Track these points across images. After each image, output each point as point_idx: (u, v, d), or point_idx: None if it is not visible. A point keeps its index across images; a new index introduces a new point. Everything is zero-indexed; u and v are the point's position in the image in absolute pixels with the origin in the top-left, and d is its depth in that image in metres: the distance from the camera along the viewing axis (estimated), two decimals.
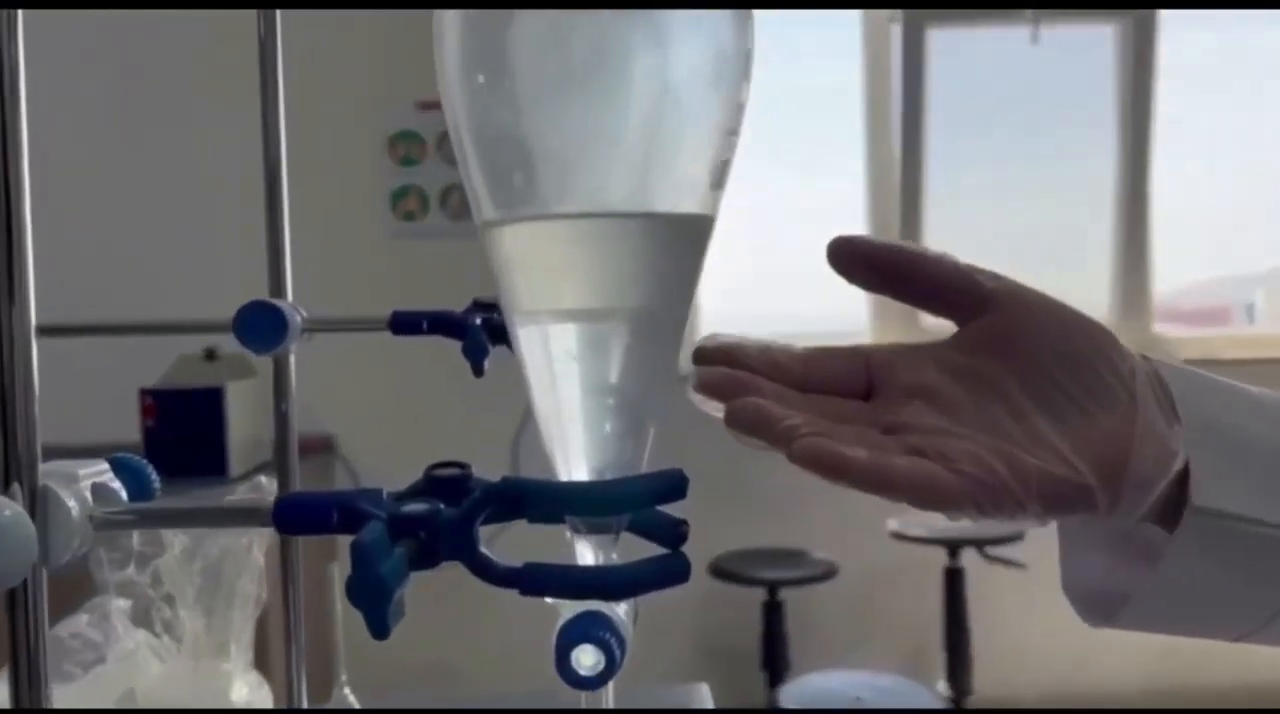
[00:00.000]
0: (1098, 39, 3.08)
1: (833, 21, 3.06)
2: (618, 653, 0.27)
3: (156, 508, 0.33)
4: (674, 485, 0.29)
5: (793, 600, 2.63)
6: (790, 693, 2.05)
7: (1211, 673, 2.84)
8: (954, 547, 2.57)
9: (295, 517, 0.31)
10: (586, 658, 0.27)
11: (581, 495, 0.29)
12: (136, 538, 0.71)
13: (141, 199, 2.77)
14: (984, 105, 3.09)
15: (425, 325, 0.52)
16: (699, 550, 1.90)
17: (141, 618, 0.70)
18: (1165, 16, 2.93)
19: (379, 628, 0.26)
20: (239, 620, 0.71)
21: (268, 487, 0.72)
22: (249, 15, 0.59)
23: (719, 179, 0.29)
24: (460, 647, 2.63)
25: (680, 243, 0.28)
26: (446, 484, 0.31)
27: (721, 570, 2.57)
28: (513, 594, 0.29)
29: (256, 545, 0.72)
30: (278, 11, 0.54)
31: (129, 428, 2.44)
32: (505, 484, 0.29)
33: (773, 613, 2.60)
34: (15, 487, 0.30)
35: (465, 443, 2.43)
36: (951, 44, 3.01)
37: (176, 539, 0.69)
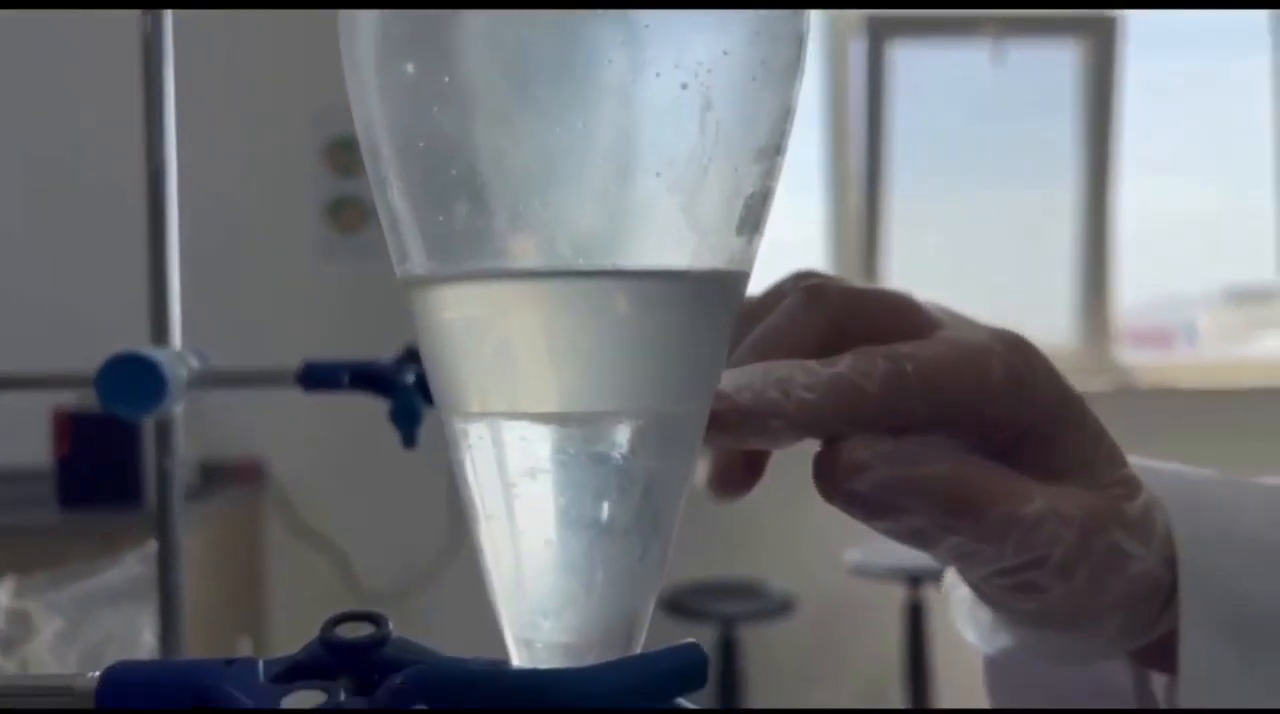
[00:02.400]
0: (1059, 59, 3.08)
1: None
2: None
3: None
4: (689, 671, 0.19)
5: (749, 637, 2.54)
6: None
7: None
8: (915, 580, 2.51)
9: (127, 696, 0.21)
10: None
11: (553, 688, 0.19)
12: (3, 620, 0.60)
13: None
14: (946, 123, 3.07)
15: (346, 379, 0.42)
16: None
17: None
18: (1129, 32, 2.92)
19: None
20: None
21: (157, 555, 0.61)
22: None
23: (754, 219, 0.20)
24: None
25: (698, 309, 0.19)
26: (352, 652, 0.21)
27: (675, 605, 2.47)
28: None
29: (149, 628, 0.61)
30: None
31: (38, 451, 2.29)
32: (437, 670, 0.19)
33: (728, 651, 2.52)
34: None
35: (406, 466, 2.32)
36: (913, 60, 2.98)
37: (48, 623, 0.58)
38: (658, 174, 0.18)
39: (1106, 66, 2.95)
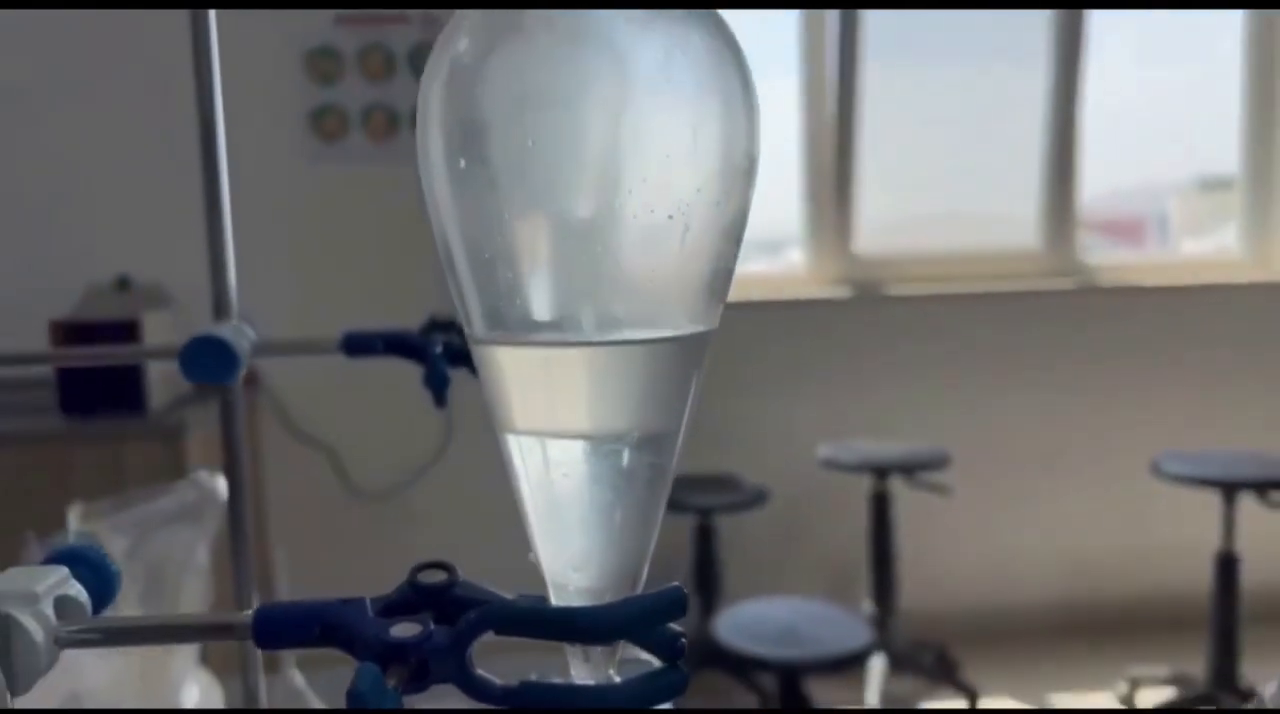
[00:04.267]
0: None
1: None
2: None
3: (122, 625, 0.31)
4: (673, 605, 0.28)
5: (724, 527, 2.68)
6: (725, 623, 2.10)
7: (1122, 585, 2.99)
8: (882, 472, 2.64)
9: (275, 631, 0.30)
10: None
11: (579, 620, 0.28)
12: (72, 539, 0.68)
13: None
14: (919, 12, 3.07)
15: (381, 346, 0.50)
16: None
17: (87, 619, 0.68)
18: None
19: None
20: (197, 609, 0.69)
21: (208, 483, 0.70)
22: None
23: (721, 290, 0.27)
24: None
25: (681, 361, 0.27)
26: (432, 594, 0.30)
27: None
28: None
29: (201, 543, 0.70)
30: None
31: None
32: (501, 608, 0.28)
33: (705, 539, 2.66)
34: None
35: (397, 371, 2.40)
36: None
37: (115, 541, 0.67)
38: (652, 272, 0.26)
39: None
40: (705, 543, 2.67)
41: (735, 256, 0.27)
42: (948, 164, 3.18)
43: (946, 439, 2.70)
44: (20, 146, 2.60)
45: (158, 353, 0.47)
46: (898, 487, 2.67)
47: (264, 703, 0.63)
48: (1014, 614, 3.01)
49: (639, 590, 0.29)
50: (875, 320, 2.95)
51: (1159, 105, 3.19)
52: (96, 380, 2.27)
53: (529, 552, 0.32)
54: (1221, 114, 3.18)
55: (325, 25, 2.62)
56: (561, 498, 0.28)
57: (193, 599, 0.69)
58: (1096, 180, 3.13)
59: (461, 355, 0.50)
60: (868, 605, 2.70)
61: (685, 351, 0.27)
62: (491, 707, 0.29)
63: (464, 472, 2.65)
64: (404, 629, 0.29)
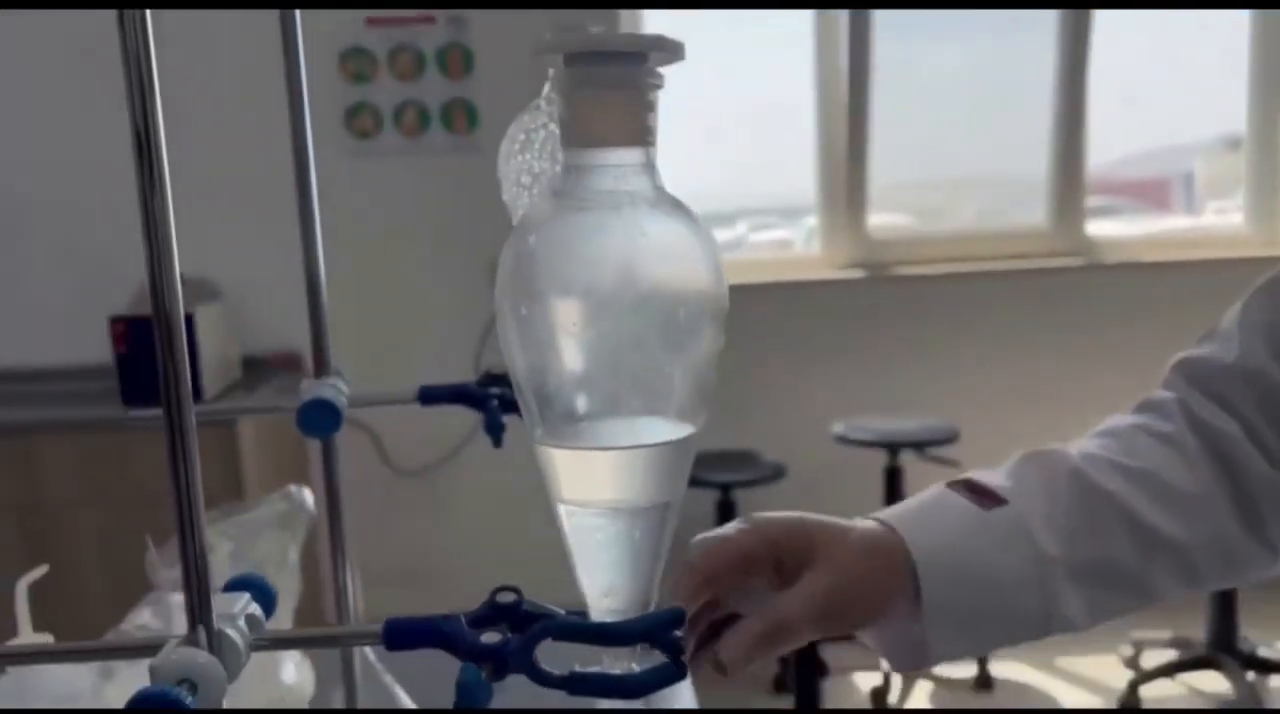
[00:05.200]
0: None
1: None
2: None
3: (288, 635, 0.44)
4: (674, 621, 0.41)
5: (744, 500, 2.82)
6: None
7: None
8: (894, 448, 2.76)
9: (399, 639, 0.43)
10: None
11: (609, 631, 0.41)
12: None
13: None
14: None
15: (449, 396, 0.63)
16: None
17: None
18: None
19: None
20: (281, 610, 0.83)
21: (298, 496, 0.83)
22: None
23: (707, 397, 0.40)
24: (432, 555, 2.79)
25: (682, 454, 0.39)
26: (507, 610, 0.43)
27: None
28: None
29: (292, 546, 0.83)
30: None
31: (100, 351, 2.51)
32: (556, 623, 0.41)
33: (726, 513, 2.79)
34: (200, 629, 0.41)
35: (434, 357, 2.54)
36: None
37: (222, 545, 0.81)
38: (655, 393, 0.38)
39: None
40: (726, 516, 2.81)
41: (713, 380, 0.40)
42: (959, 139, 3.26)
43: (957, 415, 2.81)
44: (74, 148, 2.74)
45: (279, 410, 0.58)
46: (910, 461, 2.79)
47: (357, 676, 0.77)
48: None
49: (651, 608, 0.42)
50: (888, 300, 3.05)
51: (1177, 63, 3.19)
52: (154, 373, 2.41)
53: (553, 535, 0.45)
54: (1241, 70, 3.18)
55: (357, 27, 2.74)
56: (595, 547, 0.41)
57: (286, 593, 0.82)
58: (1119, 143, 3.17)
59: (510, 405, 0.63)
60: None
61: (682, 447, 0.39)
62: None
63: (493, 453, 2.79)
64: (489, 637, 0.42)
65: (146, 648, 0.41)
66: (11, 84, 2.70)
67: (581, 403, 0.39)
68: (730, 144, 3.14)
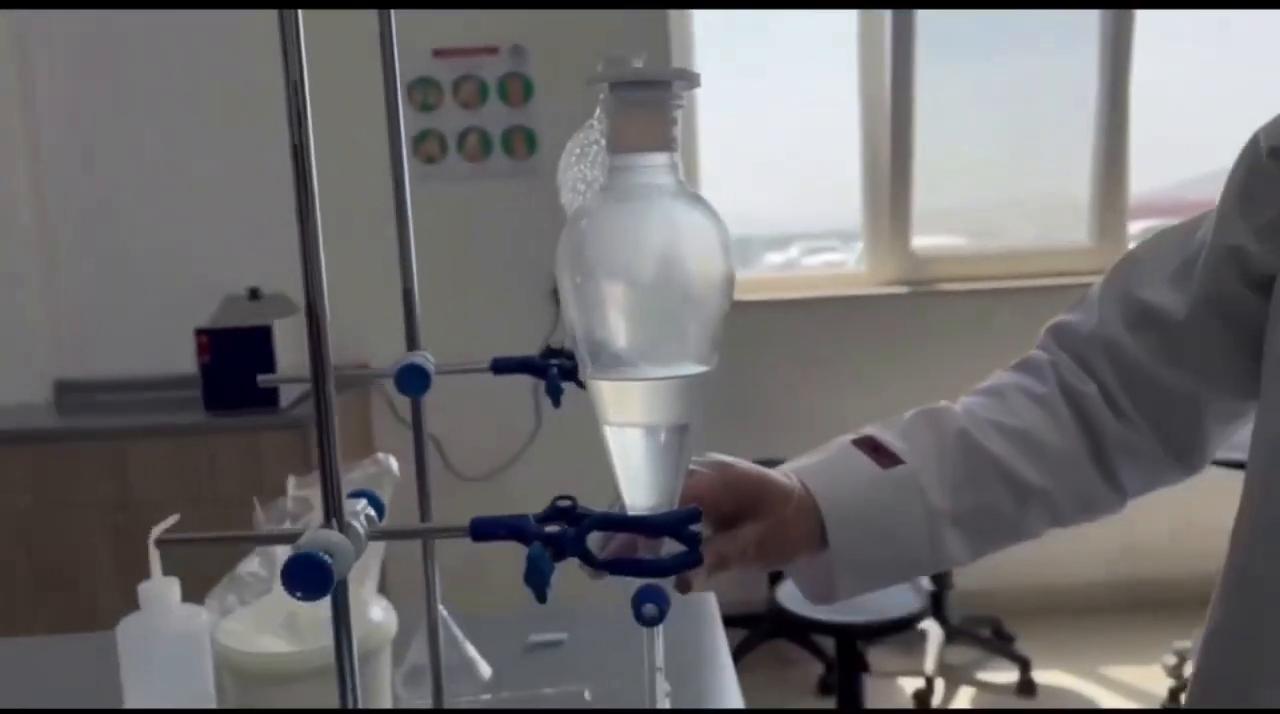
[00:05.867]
0: None
1: None
2: (667, 607, 0.52)
3: (393, 528, 0.57)
4: (692, 517, 0.53)
5: None
6: (787, 590, 2.34)
7: (1168, 563, 3.14)
8: None
9: (483, 533, 0.55)
10: (650, 609, 0.51)
11: (643, 522, 0.53)
12: (290, 502, 0.96)
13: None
14: (968, 23, 3.22)
15: (517, 366, 0.76)
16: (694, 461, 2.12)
17: None
18: None
19: (541, 598, 0.51)
20: (370, 561, 0.96)
21: (385, 462, 0.96)
22: None
23: (716, 348, 0.52)
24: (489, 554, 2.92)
25: (699, 386, 0.52)
26: (565, 511, 0.55)
27: None
28: None
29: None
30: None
31: (185, 362, 2.69)
32: (602, 516, 0.53)
33: None
34: (334, 520, 0.54)
35: (488, 381, 2.68)
36: None
37: (318, 502, 0.94)
38: (679, 339, 0.51)
39: None
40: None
41: (721, 332, 0.52)
42: (1002, 157, 3.34)
43: None
44: (162, 174, 2.95)
45: (381, 374, 0.69)
46: None
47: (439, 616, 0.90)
48: (1066, 592, 3.18)
49: (674, 507, 0.54)
50: (928, 315, 3.14)
51: (1223, 86, 3.24)
52: (235, 381, 2.59)
53: (613, 498, 0.57)
54: None
55: (424, 58, 2.92)
56: (631, 459, 0.53)
57: (374, 548, 0.96)
58: (1165, 168, 3.23)
59: (567, 374, 0.75)
60: (926, 581, 2.91)
61: (698, 381, 0.52)
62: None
63: (549, 459, 2.94)
64: (551, 528, 0.54)
65: (292, 535, 0.54)
66: (103, 107, 2.92)
67: (621, 348, 0.51)
68: (783, 169, 3.26)
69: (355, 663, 0.52)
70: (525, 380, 2.80)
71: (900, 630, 2.27)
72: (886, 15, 3.10)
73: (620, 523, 0.54)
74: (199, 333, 2.59)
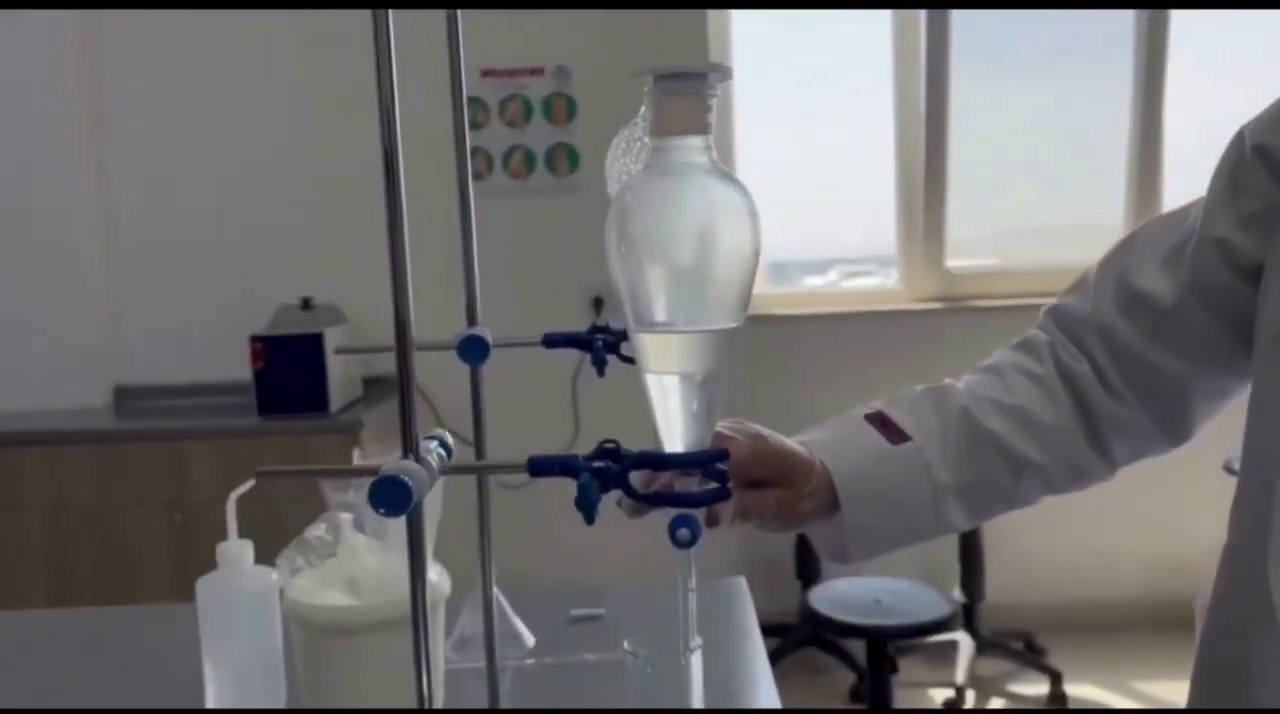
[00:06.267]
0: None
1: None
2: (699, 533, 0.59)
3: (455, 465, 0.65)
4: (722, 456, 0.61)
5: None
6: (818, 595, 2.39)
7: (1204, 581, 3.14)
8: None
9: (539, 469, 0.63)
10: (684, 533, 0.58)
11: (678, 460, 0.60)
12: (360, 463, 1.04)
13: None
14: (1006, 31, 3.26)
15: (565, 341, 0.83)
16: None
17: (362, 526, 1.04)
18: None
19: (590, 520, 0.58)
20: (429, 526, 1.04)
21: (440, 433, 1.04)
22: None
23: (745, 307, 0.59)
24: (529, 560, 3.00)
25: (729, 341, 0.59)
26: (609, 452, 0.63)
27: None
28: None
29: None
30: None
31: (239, 369, 2.80)
32: (640, 456, 0.60)
33: (805, 535, 2.94)
34: (410, 455, 0.62)
35: (530, 381, 2.77)
36: None
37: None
38: (712, 298, 0.58)
39: None
40: (805, 537, 2.95)
41: (749, 293, 0.59)
42: (1036, 177, 3.39)
43: None
44: (220, 190, 3.08)
45: (437, 346, 0.75)
46: None
47: (494, 584, 0.97)
48: (1099, 606, 3.19)
49: (705, 447, 0.62)
50: (962, 330, 3.19)
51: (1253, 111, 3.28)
52: (287, 387, 2.70)
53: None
54: None
55: (473, 78, 3.03)
56: (669, 404, 0.60)
57: (432, 512, 1.03)
58: (1198, 192, 3.27)
59: (611, 347, 0.83)
60: (958, 594, 2.94)
61: (728, 334, 0.59)
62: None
63: None
64: (598, 465, 0.62)
65: (371, 469, 0.62)
66: (166, 126, 3.06)
67: (661, 304, 0.59)
68: (821, 196, 3.33)
69: (427, 581, 0.59)
70: (564, 389, 2.88)
71: (929, 634, 2.31)
72: (921, 46, 3.17)
73: (659, 460, 0.61)
74: (254, 339, 2.70)
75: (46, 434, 2.76)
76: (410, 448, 0.62)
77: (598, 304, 3.07)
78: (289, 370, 2.69)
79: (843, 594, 2.42)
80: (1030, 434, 0.82)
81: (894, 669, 2.43)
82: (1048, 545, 3.12)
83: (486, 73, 3.03)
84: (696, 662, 0.67)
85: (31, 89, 2.93)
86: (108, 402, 3.08)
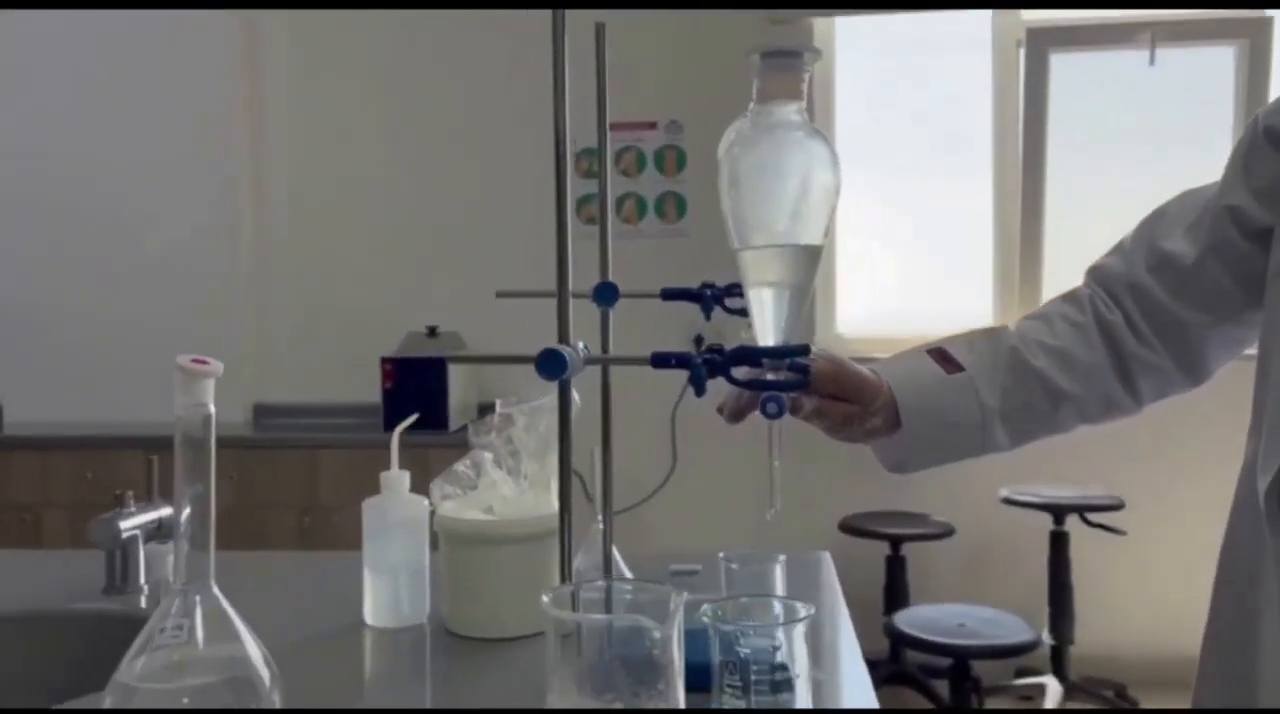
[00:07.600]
0: (1215, 60, 3.35)
1: (966, 46, 3.42)
2: (784, 407, 0.75)
3: (591, 357, 0.82)
4: (803, 350, 0.77)
5: (912, 555, 3.03)
6: (903, 618, 2.48)
7: None
8: (1059, 513, 2.93)
9: (660, 361, 0.80)
10: (772, 407, 0.75)
11: (769, 352, 0.77)
12: (497, 419, 1.23)
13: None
14: (1103, 121, 3.38)
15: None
16: (831, 511, 2.54)
17: (500, 463, 1.21)
18: None
19: (700, 392, 0.75)
20: (554, 466, 1.21)
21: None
22: None
23: (829, 229, 0.76)
24: None
25: (812, 257, 0.76)
26: (715, 349, 0.80)
27: (850, 527, 3.00)
28: None
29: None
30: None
31: (369, 392, 3.05)
32: (739, 350, 0.77)
33: (895, 565, 3.02)
34: (565, 345, 0.80)
35: (634, 407, 2.95)
36: (1073, 65, 3.33)
37: (520, 418, 1.21)
38: (803, 220, 0.75)
39: (1261, 66, 3.22)
40: (895, 568, 3.02)
41: (827, 221, 0.76)
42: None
43: (1123, 487, 2.96)
44: (358, 228, 3.38)
45: (519, 359, 0.87)
46: (1075, 527, 2.94)
47: (612, 513, 1.14)
48: (1190, 658, 3.16)
49: (792, 343, 0.78)
50: None
51: None
52: (411, 406, 2.92)
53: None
54: None
55: (591, 130, 3.27)
56: (765, 309, 0.77)
57: (553, 467, 1.21)
58: None
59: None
60: (1047, 636, 2.97)
61: (810, 250, 0.76)
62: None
63: (683, 496, 3.17)
64: (706, 356, 0.79)
65: (528, 356, 0.80)
66: (316, 167, 3.38)
67: (762, 228, 0.76)
68: (919, 258, 3.48)
69: (570, 449, 0.76)
70: (664, 424, 3.05)
71: (1013, 656, 2.37)
72: (1020, 109, 3.31)
73: (753, 352, 0.78)
74: (384, 361, 2.95)
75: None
76: (563, 338, 0.80)
77: (698, 342, 3.24)
78: (414, 390, 2.93)
79: (928, 619, 2.49)
80: (1069, 371, 0.95)
81: (979, 693, 2.48)
82: (1141, 593, 3.13)
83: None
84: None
85: (203, 122, 3.27)
86: (246, 418, 3.36)
